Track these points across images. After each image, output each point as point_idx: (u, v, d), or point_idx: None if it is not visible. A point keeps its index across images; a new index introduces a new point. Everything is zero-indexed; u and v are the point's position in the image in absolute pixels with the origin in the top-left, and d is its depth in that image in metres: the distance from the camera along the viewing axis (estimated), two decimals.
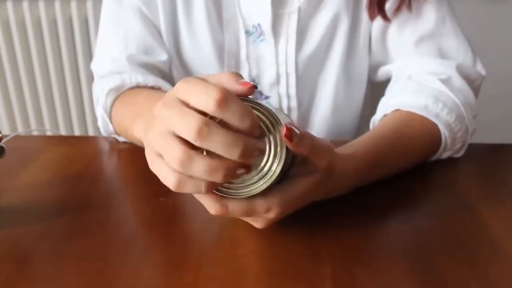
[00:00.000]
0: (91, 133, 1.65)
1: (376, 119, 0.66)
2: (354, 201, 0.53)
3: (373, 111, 0.69)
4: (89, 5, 1.43)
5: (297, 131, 0.38)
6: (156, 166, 0.39)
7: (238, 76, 0.38)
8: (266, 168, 0.40)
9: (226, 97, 0.35)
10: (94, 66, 0.74)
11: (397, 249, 0.46)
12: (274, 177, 0.39)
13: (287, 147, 0.39)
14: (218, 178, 0.37)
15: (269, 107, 0.40)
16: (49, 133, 1.51)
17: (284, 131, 0.38)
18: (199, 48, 0.74)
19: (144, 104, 0.62)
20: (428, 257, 0.45)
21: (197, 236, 0.48)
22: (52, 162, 0.63)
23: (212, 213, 0.41)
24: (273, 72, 0.75)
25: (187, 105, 0.37)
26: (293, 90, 0.76)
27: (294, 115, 0.79)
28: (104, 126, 0.70)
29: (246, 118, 0.36)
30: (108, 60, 0.72)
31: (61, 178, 0.59)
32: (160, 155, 0.39)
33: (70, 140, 0.76)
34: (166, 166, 0.38)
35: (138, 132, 0.59)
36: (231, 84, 0.38)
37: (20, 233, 0.48)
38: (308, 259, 0.44)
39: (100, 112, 0.69)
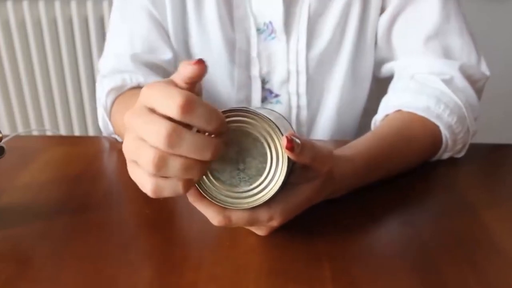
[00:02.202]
0: (91, 133, 1.65)
1: (377, 119, 0.66)
2: (354, 201, 0.53)
3: (375, 108, 0.68)
4: (89, 5, 1.43)
5: (298, 141, 0.38)
6: (133, 173, 0.39)
7: (189, 62, 0.38)
8: (268, 179, 0.40)
9: (190, 101, 0.35)
10: (100, 63, 0.74)
11: (397, 249, 0.46)
12: (276, 188, 0.40)
13: (288, 157, 0.39)
14: (193, 175, 0.37)
15: (269, 116, 0.40)
16: (49, 133, 1.51)
17: (285, 142, 0.38)
18: (209, 46, 0.74)
19: None
20: (428, 257, 0.45)
21: (197, 236, 0.48)
22: (52, 162, 0.63)
23: (215, 224, 0.41)
24: (284, 70, 0.75)
25: (154, 111, 0.36)
26: (303, 89, 0.76)
27: (304, 114, 0.79)
28: (104, 126, 0.70)
29: (213, 120, 0.36)
30: (112, 57, 0.72)
31: (61, 178, 0.59)
32: (135, 163, 0.38)
33: (70, 140, 0.76)
34: (141, 173, 0.38)
35: None
36: (185, 69, 0.38)
37: (20, 233, 0.48)
38: (308, 259, 0.44)
39: (101, 112, 0.70)
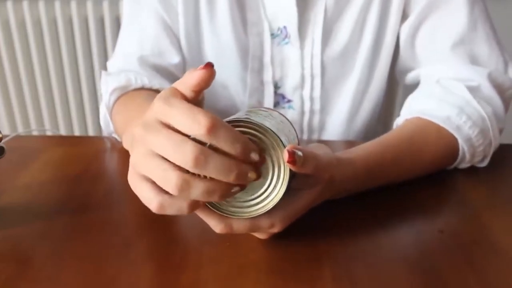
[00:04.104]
0: (91, 133, 1.65)
1: (398, 122, 0.64)
2: (354, 201, 0.53)
3: (388, 113, 0.67)
4: (89, 5, 1.43)
5: (300, 153, 0.39)
6: (138, 188, 0.39)
7: (195, 69, 0.38)
8: (269, 190, 0.40)
9: (215, 124, 0.35)
10: (108, 63, 0.75)
11: (397, 249, 0.46)
12: (278, 199, 0.40)
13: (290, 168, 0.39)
14: (215, 198, 0.37)
15: (271, 121, 0.40)
16: (49, 133, 1.51)
17: (286, 156, 0.38)
18: (222, 50, 0.74)
19: (136, 110, 0.62)
20: (428, 257, 0.45)
21: (197, 236, 0.48)
22: (52, 162, 0.63)
23: (217, 232, 0.41)
24: (298, 75, 0.74)
25: (168, 126, 0.36)
26: (317, 93, 0.75)
27: (316, 119, 0.78)
28: (105, 124, 0.70)
29: (237, 143, 0.36)
30: (121, 58, 0.73)
31: (61, 178, 0.59)
32: (143, 177, 0.38)
33: (70, 140, 0.76)
34: (149, 188, 0.38)
35: (126, 145, 0.60)
36: (192, 76, 0.37)
37: (20, 233, 0.48)
38: (308, 259, 0.44)
39: (103, 111, 0.70)
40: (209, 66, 0.37)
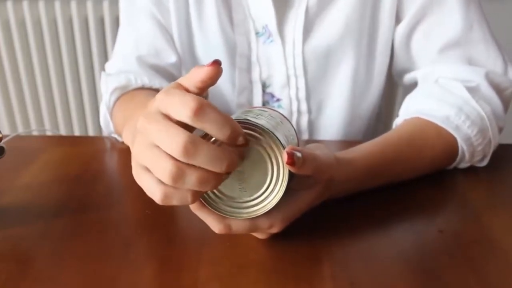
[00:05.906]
0: (91, 133, 1.65)
1: (397, 122, 0.64)
2: (354, 202, 0.53)
3: (389, 113, 0.67)
4: (89, 5, 1.43)
5: (299, 155, 0.39)
6: (142, 179, 0.39)
7: (202, 65, 0.38)
8: (269, 191, 0.40)
9: (203, 106, 0.34)
10: (107, 64, 0.75)
11: (398, 249, 0.46)
12: (277, 200, 0.40)
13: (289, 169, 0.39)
14: (208, 187, 0.37)
15: (271, 122, 0.40)
16: (49, 133, 1.51)
17: (285, 158, 0.38)
18: (211, 49, 0.74)
19: (135, 108, 0.62)
20: (428, 257, 0.45)
21: (197, 236, 0.48)
22: (52, 162, 0.63)
23: (217, 232, 0.42)
24: (283, 74, 0.74)
25: (169, 118, 0.36)
26: (302, 94, 0.75)
27: (304, 120, 0.78)
28: (105, 124, 0.71)
29: (225, 126, 0.35)
30: (119, 58, 0.73)
31: (61, 178, 0.59)
32: (145, 169, 0.38)
33: (70, 140, 0.76)
34: (152, 179, 0.38)
35: (127, 139, 0.60)
36: (198, 72, 0.37)
37: (20, 233, 0.48)
38: (308, 259, 0.44)
39: (103, 110, 0.70)
40: (216, 64, 0.37)
